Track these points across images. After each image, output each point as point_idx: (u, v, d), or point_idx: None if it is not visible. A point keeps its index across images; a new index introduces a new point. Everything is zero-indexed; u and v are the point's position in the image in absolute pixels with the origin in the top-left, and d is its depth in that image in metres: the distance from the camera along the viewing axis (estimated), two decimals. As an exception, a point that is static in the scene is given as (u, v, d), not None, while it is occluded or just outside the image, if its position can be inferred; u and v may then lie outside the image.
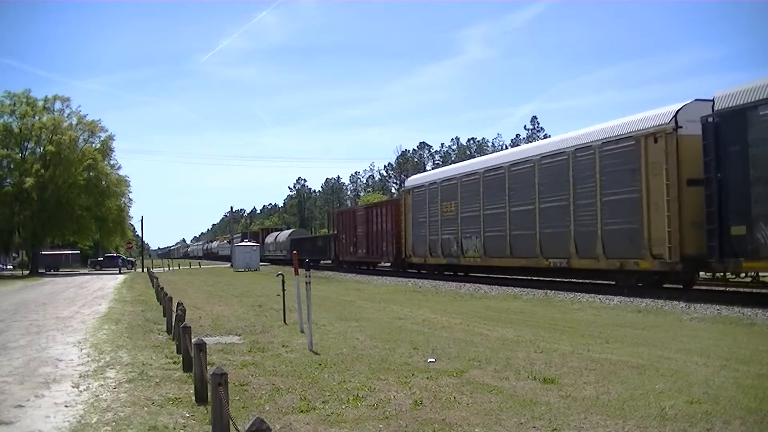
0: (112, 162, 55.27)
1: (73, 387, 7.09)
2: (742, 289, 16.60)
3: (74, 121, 53.66)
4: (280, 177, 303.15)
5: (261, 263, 52.14)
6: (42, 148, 51.04)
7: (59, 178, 49.40)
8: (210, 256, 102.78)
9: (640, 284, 17.04)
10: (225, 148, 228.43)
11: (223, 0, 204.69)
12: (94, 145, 53.93)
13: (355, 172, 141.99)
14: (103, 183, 52.33)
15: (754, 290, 16.50)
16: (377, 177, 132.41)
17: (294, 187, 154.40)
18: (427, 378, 6.93)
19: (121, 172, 56.63)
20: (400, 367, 7.58)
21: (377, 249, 35.06)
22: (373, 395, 6.20)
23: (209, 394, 5.08)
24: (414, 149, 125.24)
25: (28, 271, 52.91)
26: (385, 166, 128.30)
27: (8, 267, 65.00)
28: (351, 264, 40.12)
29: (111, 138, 55.11)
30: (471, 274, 27.01)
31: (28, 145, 52.10)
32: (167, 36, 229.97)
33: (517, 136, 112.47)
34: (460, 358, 8.14)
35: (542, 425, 5.11)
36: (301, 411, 5.70)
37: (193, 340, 6.40)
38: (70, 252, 68.10)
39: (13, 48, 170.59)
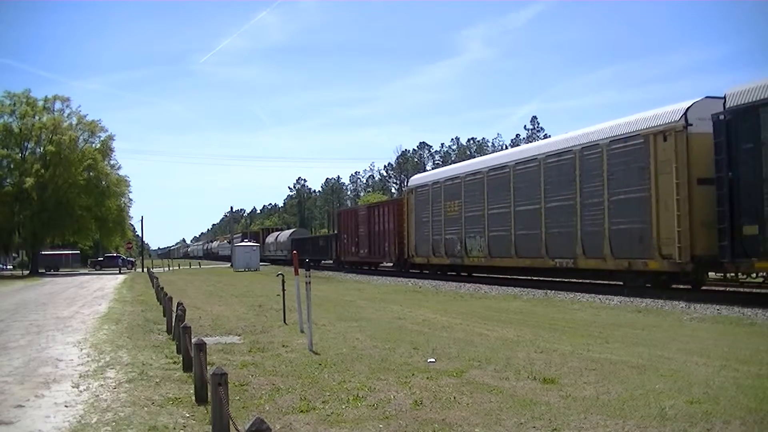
0: (112, 162, 55.44)
1: (73, 387, 7.09)
2: (742, 289, 16.60)
3: (74, 121, 53.79)
4: (280, 177, 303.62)
5: (261, 263, 52.14)
6: (42, 148, 51.07)
7: (59, 178, 49.44)
8: (210, 256, 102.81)
9: (648, 285, 16.75)
10: (225, 148, 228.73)
11: (223, 0, 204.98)
12: (94, 145, 53.99)
13: (355, 172, 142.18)
14: (103, 183, 52.36)
15: (754, 290, 16.50)
16: (377, 177, 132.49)
17: (294, 187, 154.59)
18: (427, 378, 6.93)
19: (121, 172, 56.82)
20: (400, 367, 7.58)
21: (379, 249, 34.88)
22: (373, 395, 6.21)
23: (209, 394, 5.07)
24: (414, 149, 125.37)
25: (28, 271, 52.94)
26: (385, 166, 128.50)
27: (8, 267, 65.04)
28: (353, 264, 39.96)
29: (111, 138, 55.28)
30: (474, 275, 26.76)
31: (28, 145, 52.15)
32: (167, 36, 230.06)
33: (517, 136, 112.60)
34: (460, 358, 8.14)
35: (542, 425, 5.11)
36: (301, 411, 5.70)
37: (193, 340, 6.40)
38: (70, 252, 68.10)
39: (13, 48, 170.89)
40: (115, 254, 65.07)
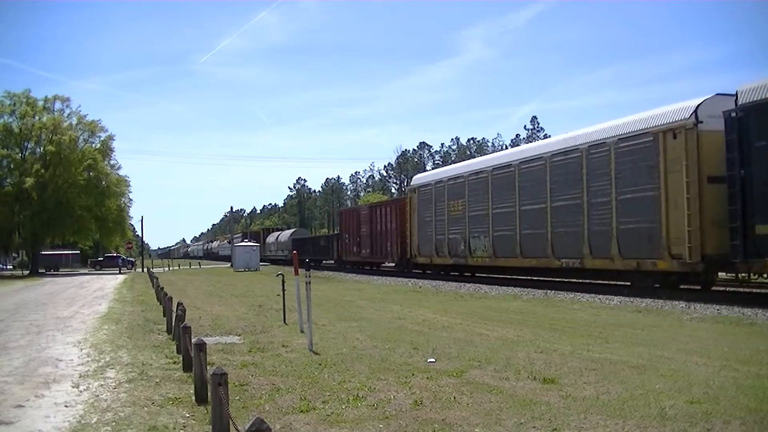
0: (112, 162, 55.46)
1: (73, 387, 7.09)
2: (741, 289, 16.58)
3: (74, 121, 53.81)
4: (280, 177, 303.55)
5: (262, 263, 52.12)
6: (42, 148, 51.09)
7: (59, 178, 49.45)
8: (210, 256, 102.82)
9: (657, 285, 16.50)
10: (225, 148, 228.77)
11: (222, 0, 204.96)
12: (94, 145, 54.01)
13: (355, 172, 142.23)
14: (103, 183, 52.37)
15: (755, 290, 16.49)
16: (377, 177, 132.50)
17: (294, 187, 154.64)
18: (427, 378, 6.93)
19: (121, 172, 56.84)
20: (400, 367, 7.58)
21: (381, 249, 34.69)
22: (373, 395, 6.20)
23: (209, 394, 5.07)
24: (414, 149, 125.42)
25: (28, 271, 52.95)
26: (385, 166, 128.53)
27: (8, 267, 65.05)
28: (354, 264, 39.80)
29: (111, 138, 55.30)
30: (478, 275, 26.46)
31: (28, 145, 52.16)
32: (167, 36, 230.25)
33: (517, 136, 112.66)
34: (460, 358, 8.13)
35: (542, 425, 5.11)
36: (301, 411, 5.70)
37: (193, 340, 6.40)
38: (70, 252, 68.11)
39: (13, 48, 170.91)
40: (115, 254, 65.09)
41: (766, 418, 5.18)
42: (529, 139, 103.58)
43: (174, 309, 10.34)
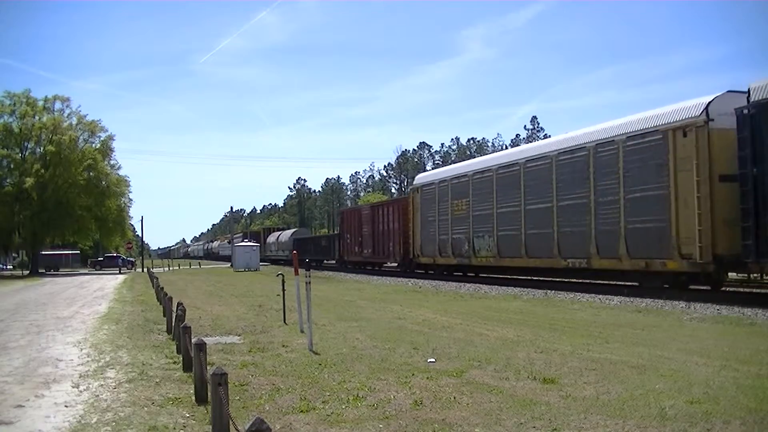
0: (112, 162, 55.45)
1: (73, 387, 7.09)
2: (741, 289, 16.57)
3: (74, 121, 53.80)
4: (280, 177, 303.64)
5: (262, 263, 52.10)
6: (42, 148, 51.09)
7: (59, 178, 49.44)
8: (211, 256, 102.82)
9: (666, 286, 16.26)
10: (225, 148, 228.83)
11: (222, 0, 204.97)
12: (94, 145, 54.00)
13: (355, 172, 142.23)
14: (103, 183, 52.37)
15: (754, 290, 16.49)
16: (377, 177, 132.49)
17: (294, 187, 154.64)
18: (427, 378, 6.93)
19: (121, 172, 56.85)
20: (400, 367, 7.58)
21: (384, 249, 34.47)
22: (373, 395, 6.20)
23: (209, 394, 5.07)
24: (414, 149, 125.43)
25: (28, 271, 52.95)
26: (385, 166, 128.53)
27: (8, 267, 65.06)
28: (356, 264, 39.60)
29: (111, 138, 55.30)
30: (482, 275, 26.12)
31: (28, 145, 52.17)
32: (167, 36, 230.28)
33: (517, 136, 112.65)
34: (460, 358, 8.13)
35: (542, 425, 5.11)
36: (301, 411, 5.70)
37: (193, 340, 6.40)
38: (70, 252, 68.12)
39: (13, 48, 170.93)
40: (115, 254, 65.08)
41: (766, 418, 5.18)
42: (529, 139, 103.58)
43: (174, 309, 10.34)
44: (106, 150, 54.27)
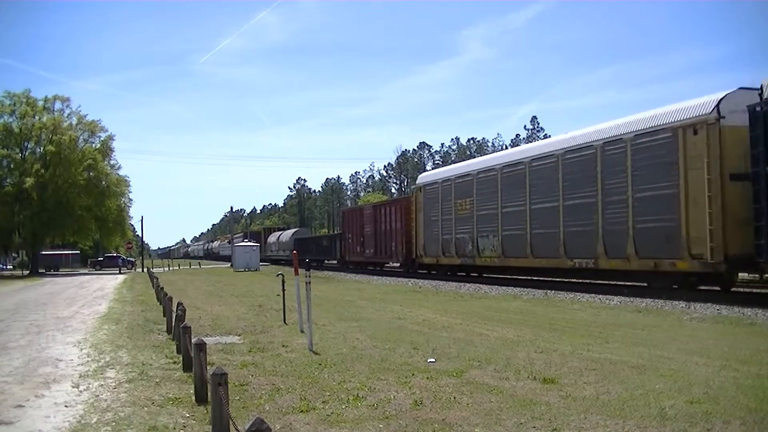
0: (112, 162, 55.49)
1: (73, 387, 7.09)
2: (742, 289, 16.56)
3: (74, 121, 53.84)
4: (280, 177, 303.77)
5: (262, 263, 52.07)
6: (42, 148, 51.11)
7: (59, 178, 49.44)
8: (211, 256, 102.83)
9: (675, 286, 15.96)
10: (225, 148, 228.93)
11: (222, 0, 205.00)
12: (94, 145, 54.02)
13: (355, 172, 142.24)
14: (103, 183, 52.38)
15: (754, 290, 16.47)
16: (377, 177, 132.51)
17: (294, 187, 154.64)
18: (427, 378, 6.93)
19: (121, 172, 56.88)
20: (400, 367, 7.58)
21: (386, 249, 34.24)
22: (373, 395, 6.20)
23: (209, 394, 5.07)
24: (414, 149, 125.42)
25: (28, 271, 52.95)
26: (385, 166, 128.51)
27: (8, 267, 65.06)
28: (358, 264, 39.39)
29: (111, 138, 55.35)
30: (486, 275, 25.75)
31: (28, 145, 52.19)
32: (167, 36, 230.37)
33: (517, 136, 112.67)
34: (460, 358, 8.13)
35: (542, 425, 5.11)
36: (301, 411, 5.70)
37: (193, 340, 6.40)
38: (70, 252, 68.14)
39: (13, 48, 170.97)
40: (115, 254, 65.09)
41: (766, 418, 5.18)
42: (529, 139, 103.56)
43: (174, 309, 10.34)
44: (106, 150, 54.29)
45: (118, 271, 53.19)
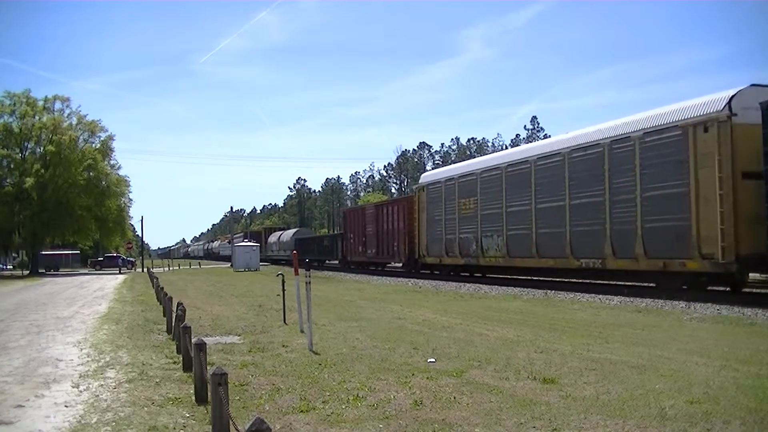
0: (112, 162, 55.48)
1: (73, 387, 7.09)
2: (742, 289, 16.54)
3: (74, 121, 53.84)
4: (280, 177, 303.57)
5: (263, 263, 52.03)
6: (42, 148, 51.10)
7: (59, 178, 49.44)
8: (211, 256, 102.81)
9: (684, 287, 15.71)
10: (225, 148, 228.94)
11: (222, 0, 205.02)
12: (94, 145, 54.02)
13: (355, 172, 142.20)
14: (103, 183, 52.38)
15: (754, 290, 16.47)
16: (377, 177, 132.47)
17: (294, 187, 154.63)
18: (427, 378, 6.93)
19: (121, 172, 56.88)
20: (400, 367, 7.58)
21: (388, 249, 34.03)
22: (373, 395, 6.21)
23: (209, 394, 5.07)
24: (414, 149, 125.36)
25: (28, 271, 52.95)
26: (385, 166, 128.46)
27: (8, 267, 65.06)
28: (359, 264, 39.22)
29: (111, 138, 55.34)
30: (489, 275, 25.43)
31: (28, 145, 52.19)
32: (167, 36, 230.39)
33: (517, 136, 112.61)
34: (460, 358, 8.13)
35: (542, 425, 5.11)
36: (301, 411, 5.70)
37: (193, 340, 6.40)
38: (70, 252, 68.14)
39: (13, 48, 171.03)
40: (115, 254, 65.09)
41: (766, 418, 5.18)
42: (529, 139, 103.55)
43: (174, 309, 10.34)
44: (106, 150, 54.29)
45: (118, 271, 53.18)
